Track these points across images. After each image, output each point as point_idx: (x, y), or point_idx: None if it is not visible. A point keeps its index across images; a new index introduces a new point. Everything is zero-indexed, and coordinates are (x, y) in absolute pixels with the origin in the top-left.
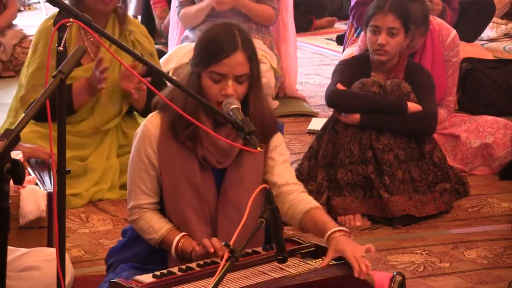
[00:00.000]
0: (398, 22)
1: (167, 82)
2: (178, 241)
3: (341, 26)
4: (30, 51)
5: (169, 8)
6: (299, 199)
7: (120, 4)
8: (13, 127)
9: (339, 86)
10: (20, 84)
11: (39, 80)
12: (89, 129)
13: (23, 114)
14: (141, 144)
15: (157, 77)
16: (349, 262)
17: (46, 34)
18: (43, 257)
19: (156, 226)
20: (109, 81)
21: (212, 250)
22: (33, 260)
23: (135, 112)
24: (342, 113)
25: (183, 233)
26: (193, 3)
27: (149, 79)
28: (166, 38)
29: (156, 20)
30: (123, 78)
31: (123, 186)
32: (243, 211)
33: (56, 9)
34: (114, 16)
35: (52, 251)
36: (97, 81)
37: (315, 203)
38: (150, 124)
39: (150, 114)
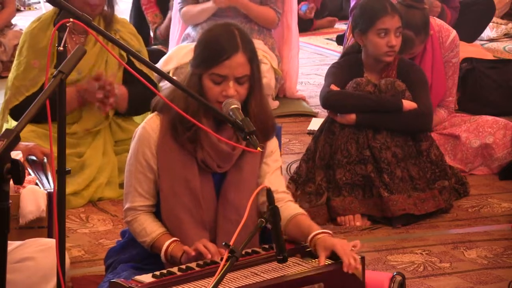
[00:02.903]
0: (401, 22)
1: (156, 81)
2: (168, 246)
3: (341, 26)
4: (16, 54)
5: (161, 13)
6: (285, 207)
7: (106, 8)
8: (12, 127)
9: (333, 87)
10: (7, 87)
11: (24, 82)
12: (81, 131)
13: (9, 116)
14: (139, 146)
15: (145, 78)
16: (339, 255)
17: (31, 37)
18: (38, 247)
19: (149, 229)
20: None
21: (209, 256)
22: (28, 251)
23: None
24: (338, 114)
25: (174, 238)
26: (196, 1)
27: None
28: (161, 43)
29: (150, 24)
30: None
31: (123, 185)
32: (243, 213)
33: (42, 12)
34: (100, 18)
35: (47, 241)
36: (98, 102)
37: (301, 210)
38: (149, 126)
39: (149, 116)
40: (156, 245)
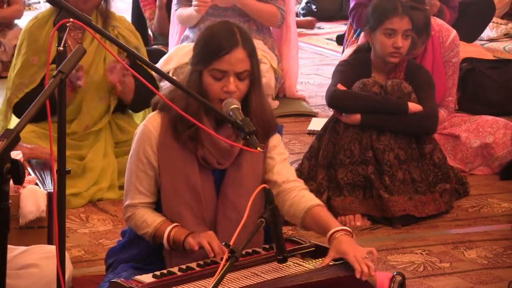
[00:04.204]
0: (411, 24)
1: (154, 79)
2: (170, 231)
3: (341, 26)
4: (15, 53)
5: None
6: (300, 197)
7: (102, 3)
8: (12, 127)
9: (340, 87)
10: (7, 87)
11: (23, 79)
12: (81, 129)
13: (13, 115)
14: (141, 144)
15: (145, 72)
16: (351, 263)
17: (29, 35)
18: (42, 254)
19: (149, 220)
20: (95, 78)
21: (212, 255)
22: (32, 258)
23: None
24: (343, 114)
25: (175, 224)
26: (190, 3)
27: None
28: (158, 38)
29: (147, 21)
30: (108, 71)
31: (122, 187)
32: (243, 211)
33: (40, 11)
34: (97, 13)
35: (51, 248)
36: (74, 79)
37: (317, 201)
38: (150, 124)
39: (150, 114)
40: (158, 234)
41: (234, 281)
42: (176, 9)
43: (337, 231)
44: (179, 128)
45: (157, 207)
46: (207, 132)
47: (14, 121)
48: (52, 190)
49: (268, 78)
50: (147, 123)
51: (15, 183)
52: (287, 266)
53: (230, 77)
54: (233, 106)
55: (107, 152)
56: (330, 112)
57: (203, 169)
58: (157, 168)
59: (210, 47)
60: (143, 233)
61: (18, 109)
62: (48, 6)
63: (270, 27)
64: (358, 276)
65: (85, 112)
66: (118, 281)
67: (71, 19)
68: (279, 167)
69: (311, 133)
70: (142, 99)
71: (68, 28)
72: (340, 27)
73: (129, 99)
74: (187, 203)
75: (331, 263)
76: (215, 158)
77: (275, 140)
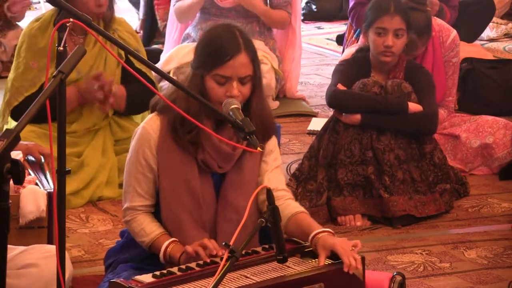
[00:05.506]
0: (404, 24)
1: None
2: (167, 246)
3: (341, 26)
4: (15, 54)
5: None
6: (286, 205)
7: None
8: (12, 127)
9: (340, 86)
10: (6, 88)
11: (23, 83)
12: (81, 130)
13: (10, 117)
14: (140, 146)
15: (143, 75)
16: (339, 255)
17: (29, 37)
18: (42, 254)
19: (148, 229)
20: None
21: (214, 252)
22: (32, 258)
23: None
24: (343, 114)
25: (173, 239)
26: None
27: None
28: (164, 37)
29: (158, 22)
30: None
31: (122, 185)
32: (243, 212)
33: (42, 12)
34: (99, 18)
35: (51, 248)
36: (98, 101)
37: (301, 208)
38: (150, 126)
39: (149, 116)
40: (155, 245)
41: (234, 281)
42: (175, 4)
43: (320, 232)
44: (179, 132)
45: (156, 209)
46: (208, 136)
47: (11, 124)
48: (52, 190)
49: (268, 79)
50: (146, 125)
51: (15, 183)
52: (286, 266)
53: (233, 82)
54: (233, 106)
55: (106, 149)
56: (330, 112)
57: (202, 173)
58: (156, 171)
59: (213, 52)
60: (140, 241)
61: (17, 112)
62: (48, 6)
63: (272, 29)
64: (346, 270)
65: (86, 116)
66: (118, 281)
67: (71, 19)
68: (271, 174)
69: (311, 133)
70: (136, 107)
71: (68, 28)
72: (340, 27)
73: (122, 108)
74: (186, 206)
75: (327, 262)
76: (216, 162)
77: (272, 144)
